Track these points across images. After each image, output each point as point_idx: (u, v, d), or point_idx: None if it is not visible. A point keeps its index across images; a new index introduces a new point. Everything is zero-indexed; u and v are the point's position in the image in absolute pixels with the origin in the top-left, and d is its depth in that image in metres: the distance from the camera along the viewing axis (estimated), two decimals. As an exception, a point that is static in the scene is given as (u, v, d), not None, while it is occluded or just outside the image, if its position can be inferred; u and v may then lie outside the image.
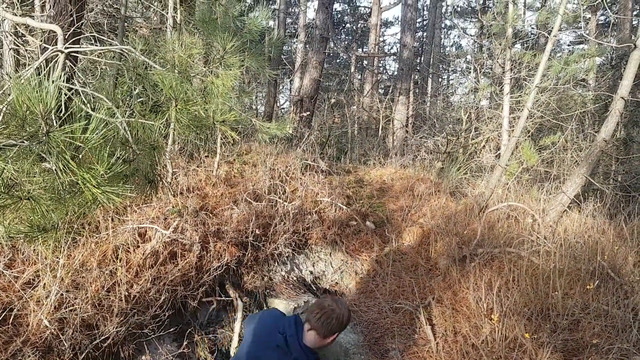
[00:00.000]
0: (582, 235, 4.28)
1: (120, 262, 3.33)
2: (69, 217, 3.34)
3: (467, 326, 3.42)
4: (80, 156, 1.97)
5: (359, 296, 4.29)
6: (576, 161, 5.65)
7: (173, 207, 3.91)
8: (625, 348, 2.93)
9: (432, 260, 4.40)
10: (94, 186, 1.99)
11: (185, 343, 3.27)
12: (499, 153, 5.87)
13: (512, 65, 6.73)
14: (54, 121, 1.80)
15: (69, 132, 1.85)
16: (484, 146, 6.64)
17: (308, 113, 6.53)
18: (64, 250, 3.11)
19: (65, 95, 1.82)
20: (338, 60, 18.10)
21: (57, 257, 3.06)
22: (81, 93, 2.04)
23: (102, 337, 2.81)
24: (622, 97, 4.43)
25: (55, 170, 1.88)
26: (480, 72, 7.60)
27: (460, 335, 3.42)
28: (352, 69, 12.33)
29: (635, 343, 2.97)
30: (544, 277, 3.61)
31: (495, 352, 3.11)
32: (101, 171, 1.94)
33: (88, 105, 1.89)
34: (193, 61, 2.51)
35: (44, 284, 2.90)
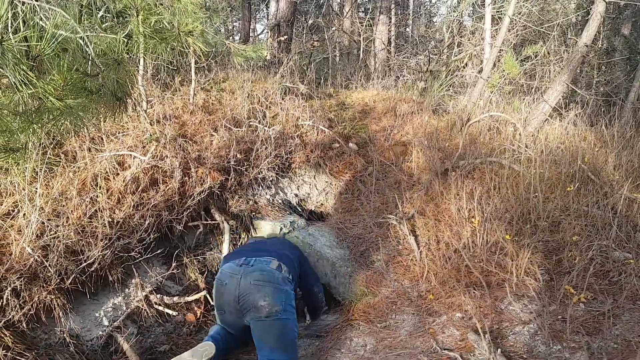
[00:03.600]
0: (563, 141, 4.31)
1: (100, 189, 3.29)
2: (40, 140, 3.26)
3: (449, 234, 3.49)
4: (38, 68, 1.88)
5: (344, 215, 4.34)
6: (558, 72, 5.58)
7: (150, 135, 3.83)
8: (604, 245, 3.02)
9: (414, 176, 4.43)
10: (56, 98, 1.91)
11: (174, 265, 3.31)
12: (481, 68, 5.77)
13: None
14: (8, 31, 1.70)
15: (23, 40, 1.75)
16: (467, 63, 6.53)
17: (286, 37, 6.30)
18: (41, 180, 3.06)
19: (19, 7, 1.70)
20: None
21: (35, 188, 3.01)
22: (37, 7, 1.90)
23: (88, 262, 2.82)
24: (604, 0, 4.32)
25: (14, 82, 1.79)
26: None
27: (442, 242, 3.50)
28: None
29: (614, 240, 3.06)
30: (524, 183, 3.66)
31: (477, 255, 3.20)
32: (60, 81, 1.86)
33: (45, 18, 1.77)
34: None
35: (24, 213, 2.87)
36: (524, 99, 5.18)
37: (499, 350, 2.34)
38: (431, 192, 4.04)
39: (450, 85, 6.13)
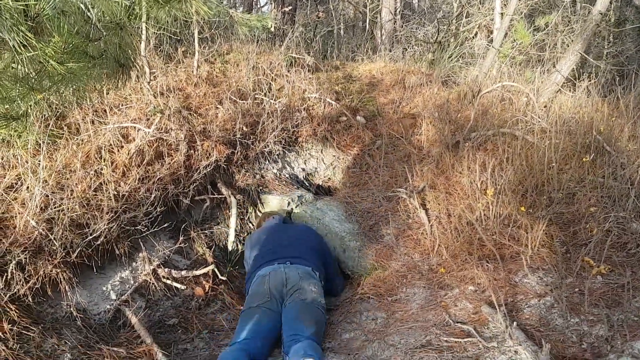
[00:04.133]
0: (577, 112, 4.20)
1: (105, 162, 3.23)
2: (42, 112, 3.18)
3: (461, 207, 3.42)
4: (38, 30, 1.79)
5: (352, 189, 4.27)
6: (570, 41, 5.42)
7: (154, 107, 3.74)
8: (622, 216, 2.94)
9: (424, 149, 4.34)
10: (57, 62, 1.83)
11: (181, 239, 3.26)
12: (492, 38, 5.62)
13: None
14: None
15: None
16: (476, 33, 6.37)
17: (290, 8, 6.14)
18: (44, 152, 2.99)
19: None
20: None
21: (38, 160, 2.95)
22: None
23: (94, 236, 2.77)
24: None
25: (13, 45, 1.70)
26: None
27: (454, 216, 3.43)
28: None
29: (631, 211, 2.98)
30: (538, 154, 3.56)
31: (489, 228, 3.13)
32: (60, 44, 1.77)
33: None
34: None
35: (27, 186, 2.81)
36: (535, 70, 5.04)
37: (515, 323, 2.29)
38: (442, 165, 3.95)
39: (459, 56, 5.98)
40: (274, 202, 3.87)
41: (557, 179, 3.35)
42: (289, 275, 2.80)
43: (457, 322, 2.52)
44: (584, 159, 3.35)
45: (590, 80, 4.81)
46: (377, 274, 3.24)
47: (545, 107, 4.64)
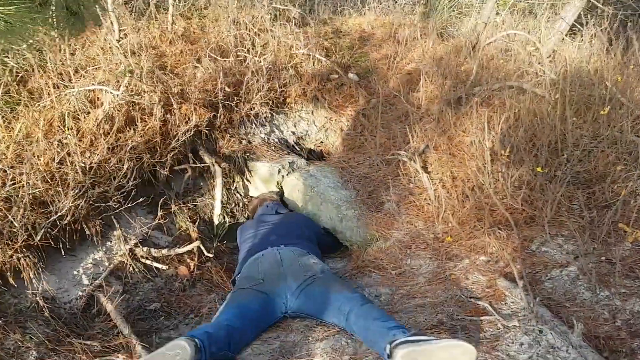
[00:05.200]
0: (587, 61, 3.88)
1: (69, 130, 2.87)
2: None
3: (467, 169, 3.14)
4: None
5: (347, 153, 3.96)
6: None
7: (125, 67, 3.35)
8: (646, 174, 2.67)
9: (423, 107, 4.01)
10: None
11: (161, 214, 2.95)
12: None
13: None
14: None
15: None
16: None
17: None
18: (0, 121, 2.63)
19: None
20: None
21: (-8, 131, 2.59)
22: None
23: (59, 214, 2.45)
24: None
25: None
26: None
27: (459, 179, 3.15)
28: None
29: (656, 168, 2.71)
30: (548, 109, 3.26)
31: (499, 191, 2.86)
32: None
33: None
34: None
35: (-21, 161, 2.46)
36: (539, 17, 4.67)
37: (537, 298, 2.03)
38: (443, 124, 3.64)
39: (453, 7, 5.58)
40: (262, 170, 3.55)
41: (571, 135, 3.05)
42: (283, 255, 2.52)
43: (471, 298, 2.26)
44: (602, 112, 3.05)
45: (598, 28, 4.46)
46: (378, 245, 2.97)
47: (550, 57, 4.31)
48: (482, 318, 2.08)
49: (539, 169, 2.69)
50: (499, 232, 2.60)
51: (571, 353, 1.75)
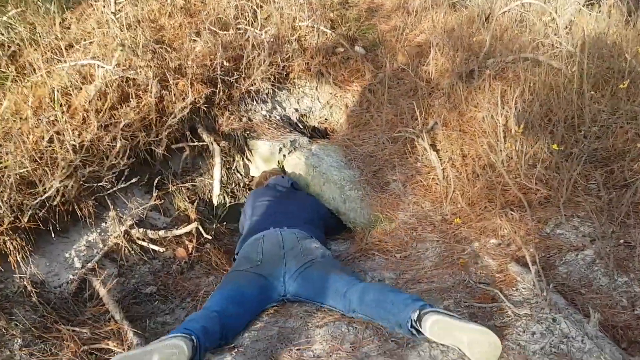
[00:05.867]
0: (605, 31, 3.65)
1: (60, 107, 2.75)
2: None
3: (478, 147, 2.97)
4: None
5: (352, 130, 3.80)
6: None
7: (121, 41, 3.21)
8: (666, 151, 2.50)
9: (433, 81, 3.82)
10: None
11: (157, 194, 2.84)
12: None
13: None
14: None
15: None
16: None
17: None
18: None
19: None
20: None
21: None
22: None
23: (47, 194, 2.34)
24: None
25: None
26: None
27: (469, 158, 2.99)
28: None
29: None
30: (565, 82, 3.07)
31: (512, 170, 2.70)
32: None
33: None
34: None
35: (-36, 139, 2.36)
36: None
37: (551, 285, 1.90)
38: (454, 99, 3.46)
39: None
40: (263, 149, 3.42)
41: (588, 109, 2.87)
42: (285, 237, 2.41)
43: (480, 284, 2.13)
44: (621, 85, 2.85)
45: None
46: (382, 227, 2.84)
47: (567, 28, 4.08)
48: (492, 305, 1.95)
49: (555, 147, 2.52)
50: (511, 214, 2.45)
51: (587, 344, 1.62)
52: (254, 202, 2.86)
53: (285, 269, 2.24)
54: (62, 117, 2.67)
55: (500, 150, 2.69)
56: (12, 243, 2.21)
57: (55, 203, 2.41)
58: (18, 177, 2.33)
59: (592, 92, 2.95)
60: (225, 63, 3.45)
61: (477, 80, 3.45)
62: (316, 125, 4.12)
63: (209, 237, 2.87)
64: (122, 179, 2.68)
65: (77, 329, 2.04)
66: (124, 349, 1.95)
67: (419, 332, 1.76)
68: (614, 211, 2.23)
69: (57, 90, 2.83)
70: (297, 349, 1.94)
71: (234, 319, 2.00)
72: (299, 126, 3.98)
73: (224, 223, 3.12)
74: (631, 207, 2.15)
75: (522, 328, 1.79)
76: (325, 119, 4.15)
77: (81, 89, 2.90)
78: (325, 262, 2.30)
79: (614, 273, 1.92)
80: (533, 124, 2.83)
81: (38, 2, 3.37)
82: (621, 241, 2.08)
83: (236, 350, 1.94)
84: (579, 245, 2.15)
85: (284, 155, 3.34)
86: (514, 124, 2.81)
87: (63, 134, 2.61)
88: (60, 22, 3.41)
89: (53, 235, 2.43)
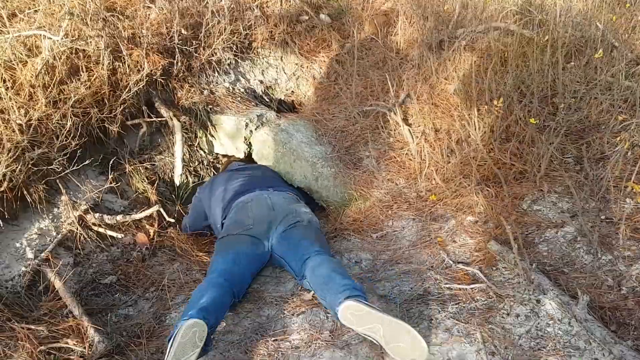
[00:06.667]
0: (575, 1, 3.61)
1: (4, 83, 2.48)
2: None
3: (451, 121, 2.89)
4: None
5: (320, 104, 3.65)
6: None
7: (68, 9, 2.90)
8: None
9: (402, 52, 3.70)
10: None
11: (112, 175, 2.63)
12: None
13: None
14: None
15: None
16: None
17: None
18: None
19: None
20: None
21: None
22: None
23: (-10, 181, 2.11)
24: None
25: None
26: None
27: (443, 132, 2.91)
28: None
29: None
30: (537, 52, 3.00)
31: (486, 145, 2.63)
32: None
33: None
34: None
35: None
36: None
37: (534, 264, 1.86)
38: (424, 71, 3.35)
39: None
40: (228, 124, 3.22)
41: (562, 80, 2.82)
42: (274, 200, 2.43)
43: (459, 263, 2.08)
44: (596, 55, 2.81)
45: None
46: (357, 205, 2.75)
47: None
48: (473, 286, 1.90)
49: (532, 120, 2.46)
50: (487, 190, 2.40)
51: (574, 326, 1.58)
52: (215, 190, 2.69)
53: (274, 230, 2.28)
54: (7, 94, 2.41)
55: (474, 124, 2.61)
56: (-50, 235, 1.98)
57: (2, 189, 2.17)
58: (-47, 161, 2.08)
59: (566, 64, 2.90)
60: (182, 31, 3.20)
61: (447, 51, 3.35)
62: (282, 98, 3.94)
63: (172, 221, 2.70)
64: (75, 160, 2.45)
65: (32, 326, 1.86)
66: (84, 347, 1.79)
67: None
68: (593, 186, 2.21)
69: (0, 65, 2.55)
70: (273, 340, 1.84)
71: (240, 278, 2.06)
72: (264, 99, 3.79)
73: (187, 204, 2.95)
74: (611, 181, 2.11)
75: (506, 310, 1.74)
76: (292, 91, 3.97)
77: (26, 62, 2.62)
78: (308, 227, 2.31)
79: (597, 251, 1.89)
80: (506, 97, 2.76)
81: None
82: (602, 217, 2.06)
83: (212, 346, 1.82)
84: (559, 221, 2.11)
85: (251, 131, 3.16)
86: (487, 96, 2.73)
87: (8, 113, 2.37)
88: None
89: (1, 224, 2.20)
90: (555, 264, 1.91)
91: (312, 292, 2.06)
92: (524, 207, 2.27)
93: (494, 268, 1.99)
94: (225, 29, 3.39)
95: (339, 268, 1.98)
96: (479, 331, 1.66)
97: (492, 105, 2.49)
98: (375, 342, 1.66)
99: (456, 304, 1.85)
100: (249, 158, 3.21)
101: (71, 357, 1.75)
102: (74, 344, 1.82)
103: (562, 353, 1.52)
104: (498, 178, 2.41)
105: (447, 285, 1.96)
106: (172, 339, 1.60)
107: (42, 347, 1.74)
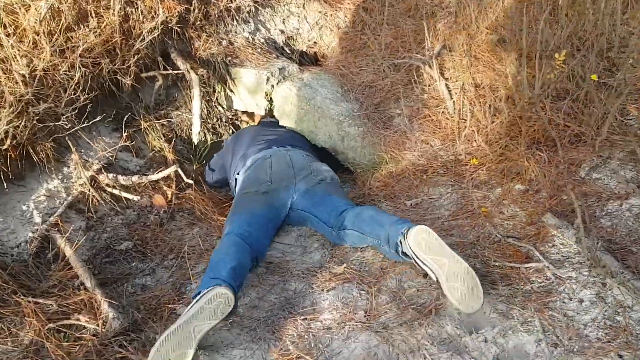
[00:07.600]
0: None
1: (5, 29, 2.26)
2: None
3: (494, 75, 2.62)
4: None
5: (346, 56, 3.37)
6: None
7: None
8: None
9: (438, -1, 3.37)
10: None
11: (127, 132, 2.44)
12: None
13: None
14: None
15: None
16: None
17: None
18: None
19: None
20: None
21: None
22: None
23: (-7, 138, 1.93)
24: None
25: None
26: None
27: (485, 88, 2.64)
28: None
29: None
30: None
31: (535, 103, 2.36)
32: None
33: None
34: None
35: None
36: None
37: (599, 242, 1.64)
38: (462, 19, 3.04)
39: None
40: (248, 78, 2.98)
41: (619, 33, 2.51)
42: (294, 158, 2.35)
43: (509, 238, 1.87)
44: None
45: None
46: (387, 168, 2.53)
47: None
48: (527, 266, 1.70)
49: (593, 77, 2.18)
50: (539, 154, 2.16)
51: (649, 316, 1.39)
52: (241, 140, 2.57)
53: (295, 188, 2.21)
54: (8, 42, 2.19)
55: (524, 78, 2.33)
56: (-49, 198, 1.82)
57: (5, 147, 1.99)
58: (-48, 116, 1.89)
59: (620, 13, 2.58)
60: (199, -26, 2.91)
61: (490, -4, 3.02)
62: (304, 50, 3.65)
63: (190, 182, 2.51)
64: (85, 115, 2.25)
65: (40, 300, 1.72)
66: (98, 325, 1.64)
67: (405, 254, 1.73)
68: (661, 152, 1.96)
69: (0, 8, 2.32)
70: (302, 319, 1.68)
71: (258, 240, 1.97)
72: (285, 50, 3.51)
73: (206, 164, 2.76)
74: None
75: (568, 294, 1.55)
76: (315, 42, 3.68)
77: (29, 6, 2.38)
78: (331, 184, 2.28)
79: (669, 227, 1.67)
80: (560, 50, 2.46)
81: None
82: (672, 188, 1.82)
83: (231, 320, 1.67)
84: (622, 192, 1.88)
85: (272, 86, 2.92)
86: (539, 48, 2.44)
87: (10, 62, 2.16)
88: None
89: (5, 185, 2.04)
90: (622, 241, 1.69)
91: (350, 244, 2.02)
92: (582, 174, 2.03)
93: (550, 245, 1.78)
94: (244, -28, 3.09)
95: (383, 211, 2.01)
96: (537, 318, 1.47)
97: (552, 59, 2.20)
98: (433, 275, 1.63)
99: (508, 284, 1.66)
100: (270, 115, 2.99)
101: (83, 334, 1.60)
102: (86, 321, 1.67)
103: (637, 347, 1.33)
104: (551, 141, 2.16)
105: (497, 264, 1.76)
106: (198, 297, 1.54)
107: (51, 325, 1.59)
